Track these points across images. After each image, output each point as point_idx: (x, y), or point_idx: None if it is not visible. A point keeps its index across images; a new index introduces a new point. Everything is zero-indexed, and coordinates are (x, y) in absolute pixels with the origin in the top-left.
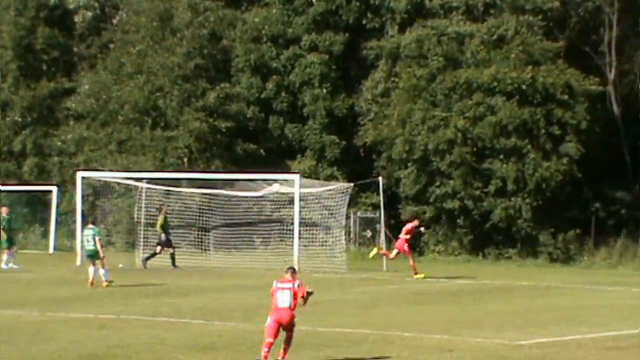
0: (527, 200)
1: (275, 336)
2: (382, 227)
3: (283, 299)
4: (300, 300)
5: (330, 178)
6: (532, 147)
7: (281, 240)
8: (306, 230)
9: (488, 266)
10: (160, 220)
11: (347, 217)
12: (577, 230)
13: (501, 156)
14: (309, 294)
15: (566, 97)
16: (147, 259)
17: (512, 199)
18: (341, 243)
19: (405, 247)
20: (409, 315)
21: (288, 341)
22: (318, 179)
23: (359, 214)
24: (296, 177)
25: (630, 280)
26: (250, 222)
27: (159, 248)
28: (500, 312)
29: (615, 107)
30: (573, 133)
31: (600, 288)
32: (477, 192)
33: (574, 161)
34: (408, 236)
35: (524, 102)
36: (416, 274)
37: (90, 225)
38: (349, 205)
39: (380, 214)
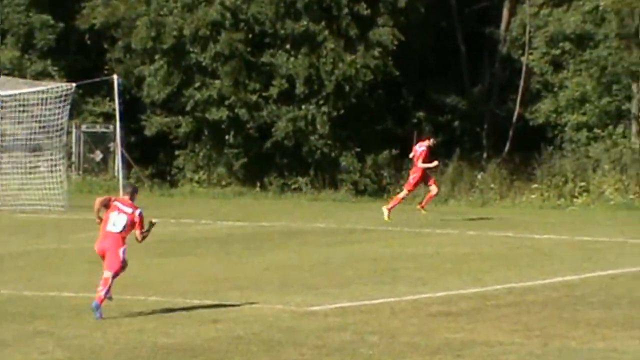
0: (324, 109)
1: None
2: (118, 147)
3: (115, 222)
4: (137, 234)
5: (41, 76)
6: (330, 33)
7: None
8: (6, 150)
9: (269, 201)
10: None
11: (68, 133)
12: (393, 150)
13: (287, 46)
14: (152, 225)
15: None
16: None
17: (303, 106)
18: (59, 170)
19: (412, 178)
20: (155, 272)
21: (105, 287)
22: (24, 77)
23: (84, 127)
24: None
25: (465, 220)
26: None
27: None
28: (286, 267)
29: None
30: (387, 14)
31: (425, 231)
32: (254, 98)
33: (389, 53)
34: (429, 165)
35: None
36: (422, 207)
37: None
38: (71, 116)
39: (115, 127)
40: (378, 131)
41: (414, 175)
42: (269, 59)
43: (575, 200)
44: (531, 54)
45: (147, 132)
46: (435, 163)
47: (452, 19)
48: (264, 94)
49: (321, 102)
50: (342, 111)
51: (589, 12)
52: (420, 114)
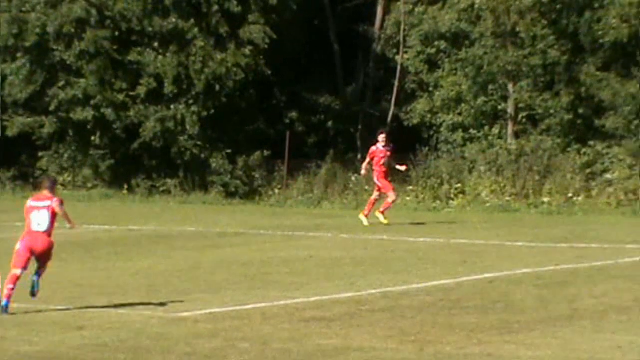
0: (194, 109)
1: (26, 267)
2: None
3: (39, 221)
4: (66, 221)
5: None
6: (200, 31)
7: None
8: None
9: (136, 205)
10: None
11: None
12: (265, 151)
13: (155, 44)
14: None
15: None
16: None
17: (172, 106)
18: None
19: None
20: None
21: (40, 273)
22: None
23: None
24: None
25: (338, 222)
26: None
27: None
28: (154, 272)
29: None
30: (259, 11)
31: (297, 234)
32: (121, 97)
33: (261, 52)
34: (362, 171)
35: None
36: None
37: None
38: None
39: None
40: (250, 132)
41: (380, 179)
42: (136, 57)
43: (451, 202)
44: (406, 52)
45: (9, 133)
46: (364, 172)
47: (326, 17)
48: (131, 93)
49: (191, 101)
50: (212, 111)
51: (465, 10)
52: (293, 114)
